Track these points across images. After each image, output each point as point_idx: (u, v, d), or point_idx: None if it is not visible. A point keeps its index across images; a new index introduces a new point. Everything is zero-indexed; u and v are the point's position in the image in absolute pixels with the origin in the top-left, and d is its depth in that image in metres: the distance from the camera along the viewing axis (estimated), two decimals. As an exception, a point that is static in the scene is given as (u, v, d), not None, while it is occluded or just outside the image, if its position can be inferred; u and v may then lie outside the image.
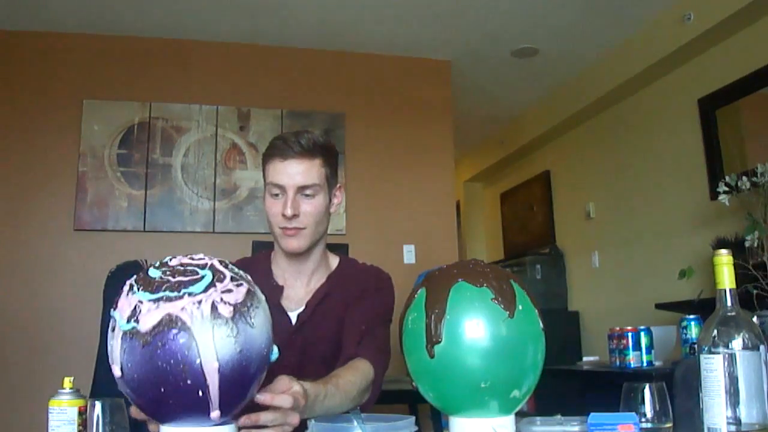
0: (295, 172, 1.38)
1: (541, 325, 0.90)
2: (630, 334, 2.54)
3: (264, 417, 0.97)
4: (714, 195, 3.35)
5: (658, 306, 3.51)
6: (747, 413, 0.90)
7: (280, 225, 1.40)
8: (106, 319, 1.53)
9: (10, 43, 3.92)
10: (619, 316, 4.26)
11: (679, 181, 4.01)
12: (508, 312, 0.86)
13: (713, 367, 0.91)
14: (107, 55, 4.04)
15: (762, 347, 0.92)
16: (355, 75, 4.42)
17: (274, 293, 1.43)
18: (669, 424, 0.92)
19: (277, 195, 1.39)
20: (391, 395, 3.01)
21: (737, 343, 0.92)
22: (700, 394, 0.93)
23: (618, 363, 2.57)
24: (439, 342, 0.86)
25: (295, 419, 1.02)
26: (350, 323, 1.40)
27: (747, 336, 0.92)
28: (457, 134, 4.88)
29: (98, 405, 0.90)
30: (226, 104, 4.12)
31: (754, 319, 1.04)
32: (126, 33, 4.04)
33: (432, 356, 0.86)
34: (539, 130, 5.41)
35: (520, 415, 0.93)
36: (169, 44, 4.12)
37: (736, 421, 0.90)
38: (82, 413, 0.93)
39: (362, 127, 4.35)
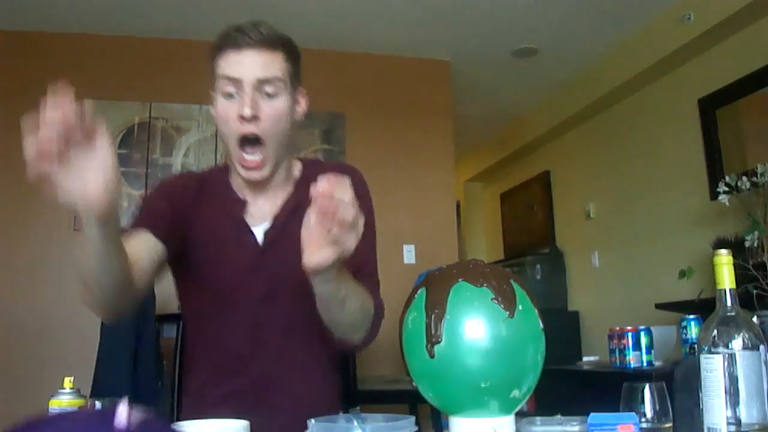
0: (254, 63, 1.17)
1: (541, 325, 0.90)
2: (630, 334, 2.53)
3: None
4: (714, 195, 3.35)
5: (658, 306, 3.51)
6: (747, 413, 0.90)
7: (239, 132, 1.17)
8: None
9: (10, 43, 3.92)
10: (619, 316, 4.26)
11: (679, 181, 4.01)
12: (508, 312, 0.86)
13: (713, 367, 0.91)
14: (107, 55, 4.04)
15: (762, 347, 0.92)
16: (355, 75, 4.42)
17: (235, 208, 1.27)
18: (669, 424, 0.92)
19: (230, 95, 1.17)
20: (391, 395, 3.02)
21: (737, 343, 0.92)
22: (700, 394, 0.93)
23: (618, 363, 2.57)
24: (439, 342, 0.86)
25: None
26: None
27: (747, 336, 0.92)
28: (457, 134, 4.88)
29: (98, 405, 0.90)
30: (226, 104, 4.12)
31: (754, 319, 1.04)
32: (126, 33, 4.04)
33: (432, 356, 0.86)
34: (539, 130, 5.41)
35: (520, 415, 0.93)
36: (169, 44, 4.12)
37: (736, 421, 0.90)
38: (82, 413, 0.93)
39: (362, 127, 4.35)
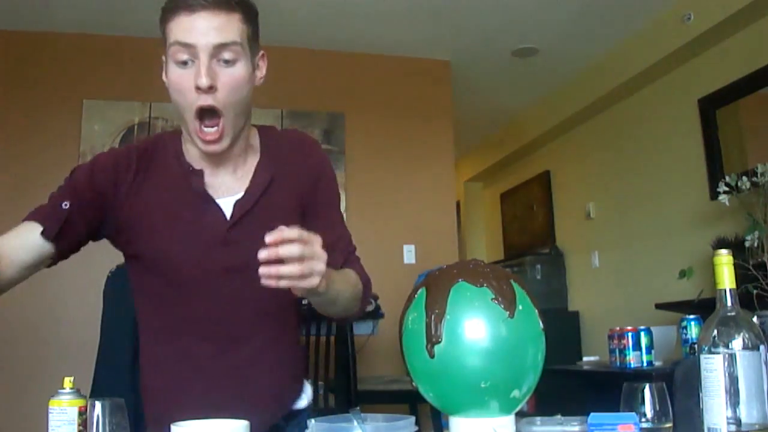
0: (209, 27, 1.06)
1: (541, 325, 0.90)
2: (630, 334, 2.54)
3: (286, 249, 0.89)
4: (714, 195, 3.35)
5: (658, 306, 3.51)
6: (747, 413, 0.90)
7: (196, 104, 1.07)
8: (106, 319, 1.53)
9: (10, 43, 3.92)
10: (619, 316, 4.26)
11: (679, 181, 4.01)
12: (508, 312, 0.86)
13: (713, 367, 0.91)
14: (107, 55, 4.04)
15: (762, 347, 0.92)
16: (355, 75, 4.42)
17: (193, 179, 1.17)
18: (669, 424, 0.92)
19: (184, 63, 1.07)
20: (391, 395, 3.02)
21: (737, 343, 0.92)
22: (700, 394, 0.93)
23: (618, 363, 2.57)
24: (439, 342, 0.86)
25: (320, 264, 0.94)
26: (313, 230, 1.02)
27: (747, 336, 0.92)
28: (457, 134, 4.88)
29: (98, 405, 0.90)
30: (226, 104, 4.12)
31: (754, 319, 1.04)
32: (126, 33, 4.04)
33: (432, 356, 0.86)
34: (539, 130, 5.41)
35: (520, 415, 0.93)
36: (169, 44, 4.12)
37: (736, 421, 0.90)
38: (82, 413, 0.93)
39: (362, 127, 4.34)
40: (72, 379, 0.97)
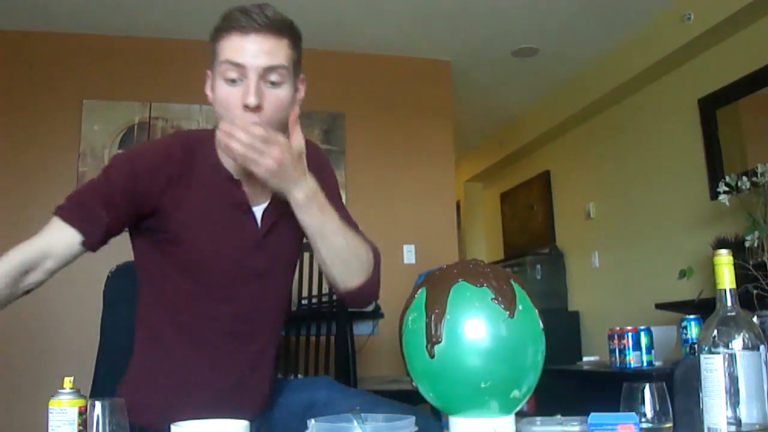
0: (260, 50, 1.12)
1: (541, 325, 0.90)
2: (630, 334, 2.53)
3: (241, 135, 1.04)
4: (714, 195, 3.35)
5: (658, 306, 3.51)
6: (747, 413, 0.90)
7: (252, 135, 1.09)
8: (106, 319, 1.53)
9: (10, 43, 3.92)
10: (619, 316, 4.26)
11: (679, 181, 4.01)
12: (508, 312, 0.86)
13: (713, 367, 0.91)
14: (107, 55, 4.04)
15: (762, 347, 0.92)
16: (355, 75, 4.42)
17: (234, 189, 1.23)
18: (669, 424, 0.92)
19: (233, 81, 1.13)
20: (391, 395, 3.02)
21: (737, 343, 0.92)
22: (700, 394, 0.93)
23: (618, 363, 2.56)
24: (439, 342, 0.86)
25: (275, 150, 1.06)
26: None
27: (747, 336, 0.92)
28: (457, 134, 4.88)
29: (98, 405, 0.90)
30: (226, 104, 4.12)
31: (754, 319, 1.04)
32: (126, 33, 4.04)
33: (432, 356, 0.86)
34: (539, 130, 5.41)
35: (520, 415, 0.93)
36: (169, 44, 4.12)
37: (736, 421, 0.90)
38: (82, 413, 0.93)
39: (362, 127, 4.35)
40: (72, 379, 0.97)
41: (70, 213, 1.16)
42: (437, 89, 4.54)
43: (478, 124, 5.93)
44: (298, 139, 1.14)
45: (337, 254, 1.19)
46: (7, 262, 1.12)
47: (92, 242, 1.16)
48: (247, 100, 1.11)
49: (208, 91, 1.19)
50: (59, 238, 1.15)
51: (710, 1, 3.53)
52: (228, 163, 1.23)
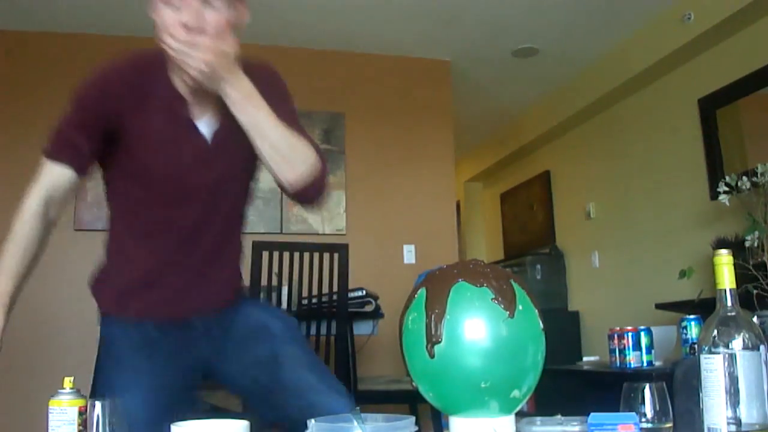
0: None
1: (541, 325, 0.90)
2: (630, 334, 2.54)
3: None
4: (714, 195, 3.35)
5: (658, 306, 3.51)
6: (747, 413, 0.90)
7: (179, 40, 1.17)
8: (106, 319, 1.53)
9: (10, 43, 3.92)
10: (619, 316, 4.26)
11: (679, 181, 4.01)
12: (508, 312, 0.86)
13: (713, 367, 0.91)
14: (107, 55, 4.02)
15: (762, 347, 0.92)
16: (355, 75, 4.42)
17: (181, 106, 1.32)
18: (669, 424, 0.92)
19: (172, 3, 1.18)
20: (391, 395, 3.02)
21: (737, 343, 0.92)
22: (700, 394, 0.93)
23: (618, 363, 2.57)
24: (439, 342, 0.86)
25: (202, 52, 1.14)
26: None
27: (747, 336, 0.92)
28: (457, 134, 4.88)
29: (98, 405, 0.90)
30: (226, 104, 4.12)
31: (754, 319, 1.04)
32: (126, 33, 4.04)
33: (432, 356, 0.86)
34: (539, 130, 5.41)
35: (520, 415, 0.93)
36: (169, 44, 4.12)
37: (736, 421, 0.90)
38: (82, 413, 0.93)
39: (362, 127, 4.34)
40: (72, 379, 0.97)
41: (55, 151, 1.30)
42: (437, 89, 4.54)
43: (478, 124, 5.92)
44: (229, 42, 1.20)
45: (275, 148, 1.25)
46: (28, 209, 1.31)
47: (82, 169, 1.31)
48: (186, 21, 1.17)
49: (153, 15, 1.24)
50: (55, 175, 1.30)
51: (710, 1, 3.53)
52: (178, 82, 1.31)
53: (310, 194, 1.32)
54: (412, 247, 4.29)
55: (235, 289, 1.50)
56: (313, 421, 0.87)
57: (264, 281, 2.49)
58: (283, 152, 1.26)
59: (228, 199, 1.42)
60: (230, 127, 1.30)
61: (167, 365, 1.34)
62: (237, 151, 1.34)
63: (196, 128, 1.33)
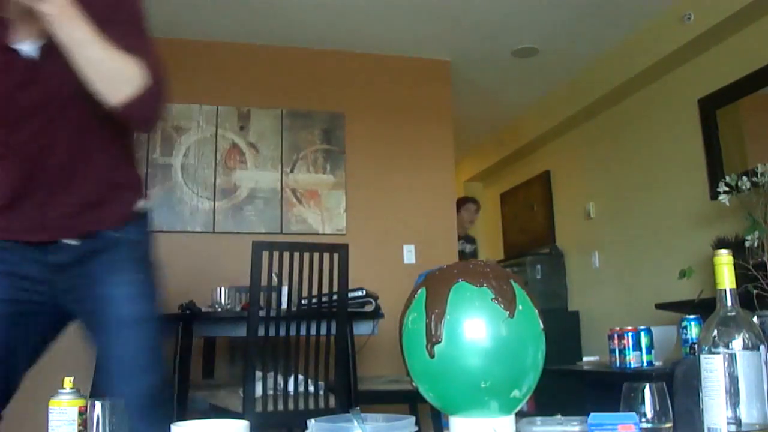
0: None
1: (541, 325, 0.90)
2: (630, 334, 2.53)
3: None
4: (714, 195, 3.35)
5: (658, 306, 3.51)
6: (747, 413, 0.90)
7: None
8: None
9: None
10: (619, 316, 4.26)
11: (679, 181, 4.01)
12: (508, 312, 0.86)
13: (713, 367, 0.91)
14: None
15: (762, 347, 0.92)
16: (355, 75, 4.42)
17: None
18: (669, 424, 0.92)
19: None
20: (391, 395, 3.02)
21: (737, 343, 0.92)
22: (700, 394, 0.93)
23: (618, 363, 2.56)
24: (439, 342, 0.86)
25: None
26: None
27: (747, 336, 0.92)
28: (457, 134, 4.88)
29: (98, 405, 0.90)
30: (226, 104, 4.12)
31: (754, 319, 1.04)
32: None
33: (432, 356, 0.86)
34: (539, 130, 5.41)
35: (520, 415, 0.93)
36: (169, 44, 4.11)
37: (736, 421, 0.90)
38: (82, 413, 0.93)
39: (362, 127, 4.35)
40: (72, 379, 0.97)
41: None
42: (437, 89, 4.54)
43: (478, 124, 5.93)
44: None
45: (93, 68, 1.22)
46: None
47: None
48: None
49: None
50: None
51: (710, 1, 3.53)
52: None
53: (136, 116, 1.32)
54: (412, 247, 4.29)
55: (105, 214, 1.45)
56: (313, 421, 0.87)
57: (264, 281, 2.49)
58: (102, 73, 1.23)
59: (74, 116, 1.36)
60: (52, 47, 1.26)
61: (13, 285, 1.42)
62: (63, 72, 1.27)
63: (14, 50, 1.29)
